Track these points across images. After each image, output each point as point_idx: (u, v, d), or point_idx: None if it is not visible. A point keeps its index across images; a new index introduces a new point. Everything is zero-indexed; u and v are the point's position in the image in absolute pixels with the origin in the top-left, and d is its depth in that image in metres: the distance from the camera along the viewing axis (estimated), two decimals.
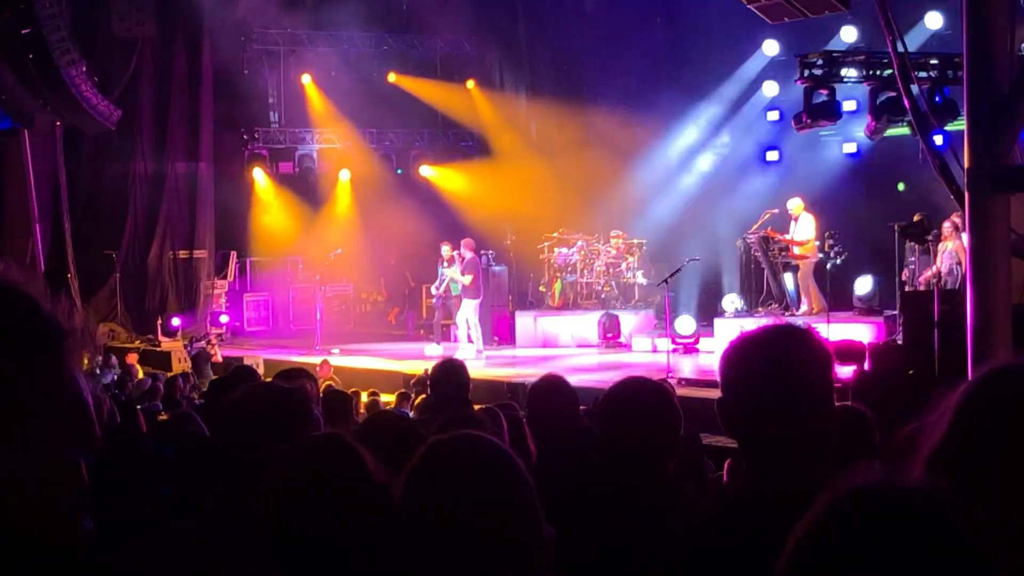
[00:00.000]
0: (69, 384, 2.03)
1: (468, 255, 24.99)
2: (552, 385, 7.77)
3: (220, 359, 24.68)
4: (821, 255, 22.90)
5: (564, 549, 3.15)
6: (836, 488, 1.70)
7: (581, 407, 8.13)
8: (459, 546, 2.66)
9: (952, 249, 20.13)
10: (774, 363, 3.17)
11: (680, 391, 12.71)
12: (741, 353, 3.30)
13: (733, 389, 3.26)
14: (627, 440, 4.72)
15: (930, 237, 20.49)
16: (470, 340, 24.75)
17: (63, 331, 2.05)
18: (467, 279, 24.69)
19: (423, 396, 14.94)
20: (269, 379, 5.74)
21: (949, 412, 2.47)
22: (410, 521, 2.72)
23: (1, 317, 1.99)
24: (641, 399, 4.87)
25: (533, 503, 2.77)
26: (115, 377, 20.22)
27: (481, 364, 22.58)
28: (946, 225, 20.39)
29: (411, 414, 13.94)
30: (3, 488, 1.94)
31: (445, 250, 25.96)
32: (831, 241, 23.05)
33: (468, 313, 24.81)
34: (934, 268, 20.49)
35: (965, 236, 11.61)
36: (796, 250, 22.98)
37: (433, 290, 26.64)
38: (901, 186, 26.37)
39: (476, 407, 8.26)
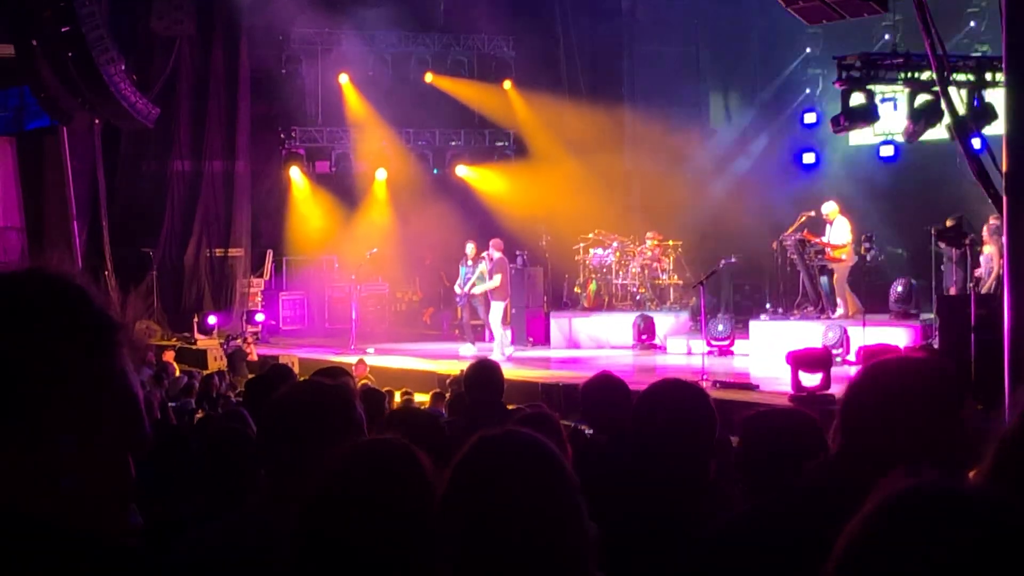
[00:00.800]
0: (120, 380, 2.05)
1: (497, 255, 24.93)
2: (606, 381, 7.71)
3: (256, 357, 24.77)
4: (857, 258, 22.84)
5: (609, 546, 3.16)
6: (890, 487, 1.67)
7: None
8: (503, 544, 2.65)
9: (989, 253, 20.06)
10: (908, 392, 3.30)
11: (714, 393, 12.67)
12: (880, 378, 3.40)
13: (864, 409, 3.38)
14: (664, 439, 4.72)
15: (967, 241, 20.41)
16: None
17: (116, 325, 2.06)
18: (496, 280, 24.64)
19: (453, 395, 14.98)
20: (304, 378, 5.76)
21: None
22: (453, 516, 2.71)
23: (54, 310, 2.01)
24: (678, 400, 4.89)
25: (578, 501, 2.77)
26: (151, 374, 20.30)
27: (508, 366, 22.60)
28: (986, 230, 20.33)
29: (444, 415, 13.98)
30: (55, 483, 1.96)
31: (470, 248, 25.98)
32: (867, 244, 23.02)
33: (496, 315, 24.77)
34: (978, 270, 20.44)
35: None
36: (833, 253, 22.92)
37: (457, 289, 26.61)
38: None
39: (509, 407, 8.28)
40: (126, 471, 2.06)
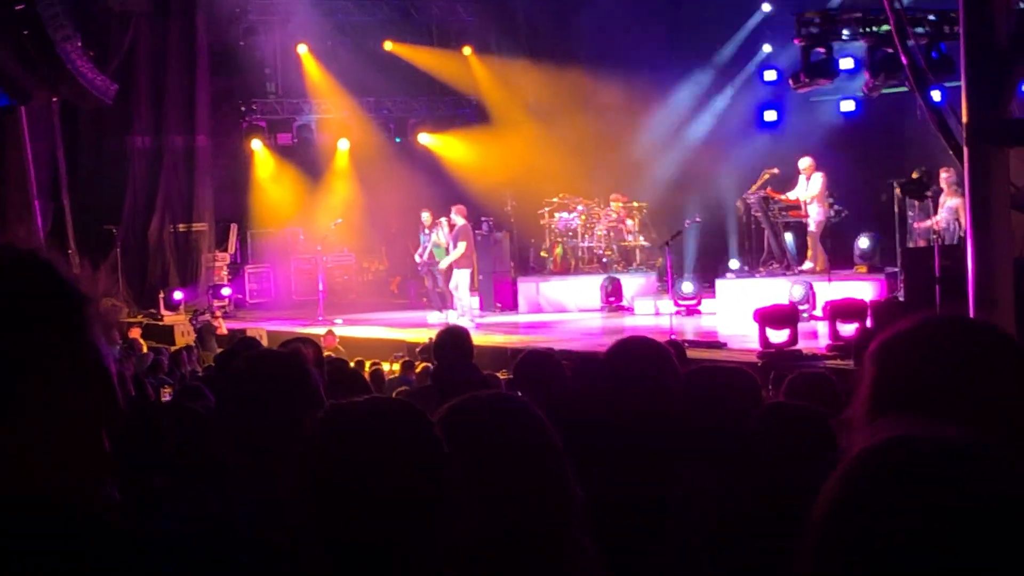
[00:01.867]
0: (93, 354, 2.04)
1: (460, 222, 24.82)
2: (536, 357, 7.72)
3: (225, 331, 24.72)
4: (830, 213, 22.94)
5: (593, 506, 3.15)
6: (871, 439, 1.62)
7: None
8: (489, 507, 2.63)
9: (952, 205, 20.17)
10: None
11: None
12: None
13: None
14: (631, 388, 4.76)
15: (929, 193, 20.52)
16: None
17: (86, 299, 2.06)
18: (460, 248, 24.51)
19: (425, 364, 15.00)
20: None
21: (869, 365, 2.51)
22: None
23: (24, 285, 2.00)
24: (638, 352, 4.94)
25: (562, 461, 2.75)
26: (118, 351, 20.24)
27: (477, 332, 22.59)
28: (945, 178, 20.44)
29: (414, 383, 14.00)
30: (31, 456, 1.96)
31: (426, 216, 25.95)
32: (831, 200, 23.10)
33: (460, 283, 24.68)
34: (932, 220, 20.55)
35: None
36: (807, 209, 22.96)
37: (416, 258, 26.55)
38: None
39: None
40: (101, 445, 2.06)
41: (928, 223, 20.69)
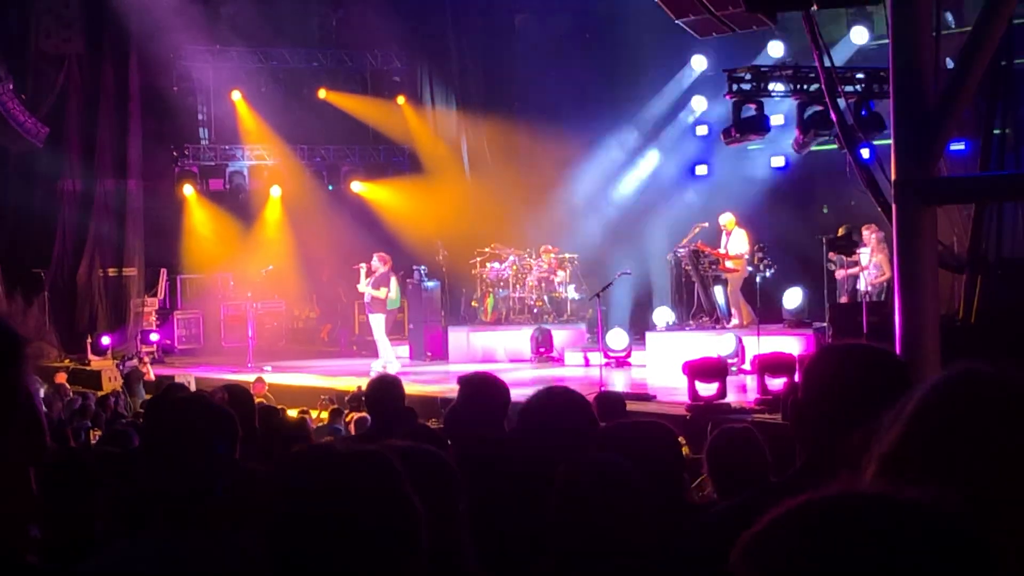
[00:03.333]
0: (23, 394, 2.03)
1: (381, 269, 24.75)
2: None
3: (153, 377, 24.50)
4: (751, 269, 23.09)
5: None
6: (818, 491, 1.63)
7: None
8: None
9: (877, 261, 20.40)
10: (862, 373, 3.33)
11: None
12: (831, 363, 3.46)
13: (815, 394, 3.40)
14: (544, 436, 4.84)
15: (857, 250, 20.73)
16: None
17: (20, 339, 2.04)
18: (380, 292, 24.47)
19: (357, 416, 14.93)
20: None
21: (906, 413, 2.53)
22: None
23: None
24: (557, 400, 5.05)
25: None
26: (42, 396, 20.03)
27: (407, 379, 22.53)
28: (867, 235, 20.67)
29: (343, 432, 13.94)
30: None
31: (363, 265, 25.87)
32: (760, 254, 23.26)
33: (378, 327, 24.64)
34: (856, 268, 20.79)
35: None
36: (729, 264, 23.14)
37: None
38: (825, 209, 26.63)
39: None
40: (30, 486, 2.05)
41: (852, 271, 20.94)
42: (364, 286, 24.79)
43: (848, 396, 3.26)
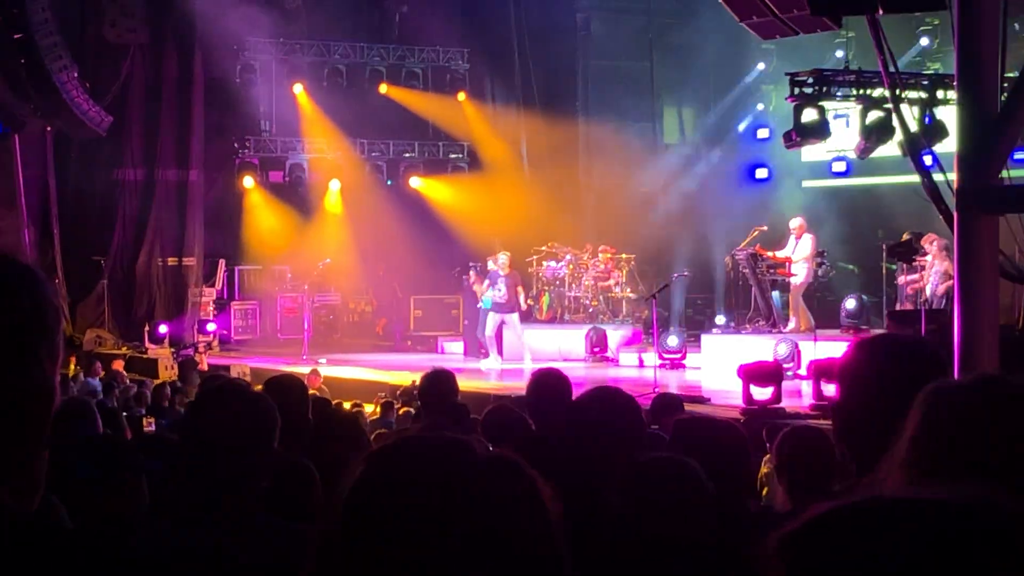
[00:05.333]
0: (42, 373, 2.07)
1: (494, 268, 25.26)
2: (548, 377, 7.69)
3: (206, 367, 24.64)
4: (813, 274, 23.00)
5: None
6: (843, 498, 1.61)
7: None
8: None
9: (940, 269, 20.23)
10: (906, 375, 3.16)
11: None
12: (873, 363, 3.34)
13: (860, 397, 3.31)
14: (592, 438, 4.81)
15: (917, 257, 20.58)
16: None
17: (45, 309, 2.08)
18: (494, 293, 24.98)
19: (405, 408, 14.98)
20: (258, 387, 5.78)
21: (915, 416, 2.51)
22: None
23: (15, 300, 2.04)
24: (604, 402, 5.01)
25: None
26: (100, 383, 20.19)
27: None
28: (932, 243, 20.51)
29: (395, 426, 13.98)
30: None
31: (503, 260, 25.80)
32: (819, 259, 23.16)
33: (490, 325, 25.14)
34: (919, 276, 20.63)
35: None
36: (793, 268, 23.00)
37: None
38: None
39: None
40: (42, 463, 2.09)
41: (914, 277, 20.78)
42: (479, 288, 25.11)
43: (887, 389, 3.12)
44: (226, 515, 3.69)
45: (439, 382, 8.39)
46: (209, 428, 3.90)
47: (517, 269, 26.11)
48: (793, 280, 23.16)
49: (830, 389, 15.67)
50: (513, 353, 25.36)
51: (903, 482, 2.41)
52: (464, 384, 10.49)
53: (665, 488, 3.91)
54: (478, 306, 25.47)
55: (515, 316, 25.01)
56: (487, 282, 25.14)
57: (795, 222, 23.42)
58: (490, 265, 25.32)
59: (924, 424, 2.52)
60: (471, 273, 27.41)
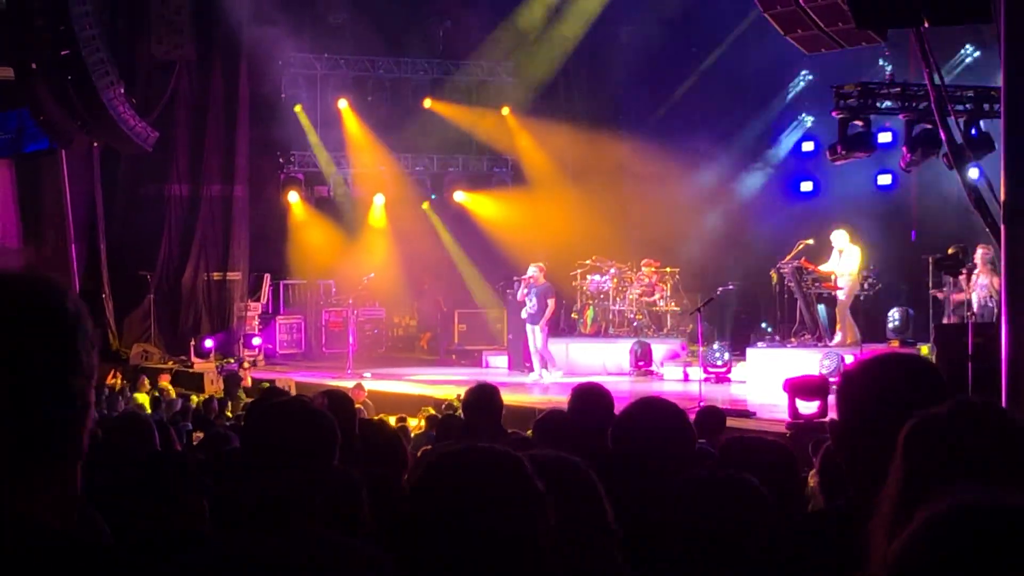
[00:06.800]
0: (80, 375, 2.09)
1: (541, 279, 25.42)
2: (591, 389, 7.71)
3: (250, 383, 24.71)
4: (860, 288, 22.91)
5: None
6: (937, 504, 1.63)
7: None
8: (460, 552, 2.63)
9: (986, 282, 20.10)
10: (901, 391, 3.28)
11: None
12: (867, 380, 3.40)
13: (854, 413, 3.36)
14: (640, 451, 4.79)
15: (964, 270, 20.45)
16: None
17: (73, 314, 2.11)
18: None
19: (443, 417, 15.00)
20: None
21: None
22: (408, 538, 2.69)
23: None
24: (654, 414, 5.00)
25: (542, 514, 2.73)
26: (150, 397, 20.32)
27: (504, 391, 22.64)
28: (981, 255, 20.37)
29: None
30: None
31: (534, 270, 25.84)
32: (867, 274, 23.06)
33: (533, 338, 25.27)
34: (965, 294, 20.47)
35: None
36: (840, 282, 22.89)
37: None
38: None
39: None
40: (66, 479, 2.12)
41: (961, 296, 20.63)
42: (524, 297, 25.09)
43: (885, 408, 3.20)
44: (287, 530, 3.70)
45: (484, 396, 8.40)
46: (271, 442, 3.92)
47: (554, 282, 26.17)
48: (839, 294, 23.07)
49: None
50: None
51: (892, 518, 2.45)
52: (508, 398, 10.48)
53: (727, 505, 3.90)
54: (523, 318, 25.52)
55: (536, 328, 25.00)
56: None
57: (837, 235, 23.31)
58: (539, 276, 25.34)
59: (905, 464, 2.59)
60: (516, 286, 27.41)
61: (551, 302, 24.95)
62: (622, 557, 2.79)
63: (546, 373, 24.97)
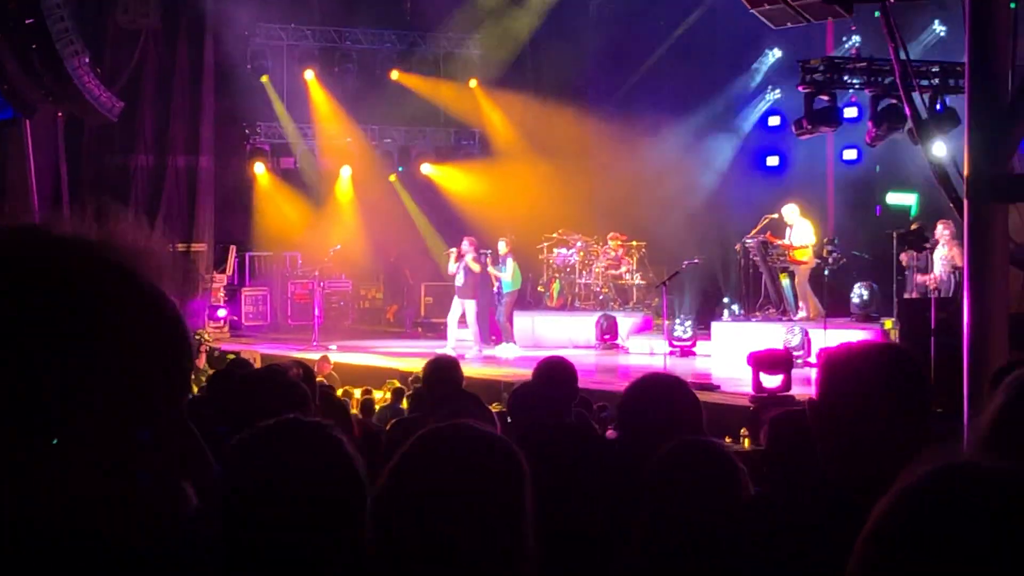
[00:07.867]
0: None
1: (471, 253, 25.04)
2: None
3: (205, 361, 24.38)
4: (819, 261, 22.97)
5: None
6: (918, 468, 1.58)
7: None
8: (441, 540, 2.64)
9: (948, 256, 20.21)
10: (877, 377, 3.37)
11: None
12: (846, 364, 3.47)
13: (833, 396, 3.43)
14: (653, 431, 4.75)
15: (928, 245, 20.55)
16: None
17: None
18: (502, 273, 25.39)
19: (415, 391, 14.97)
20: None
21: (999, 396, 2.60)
22: (392, 509, 2.69)
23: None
24: (664, 392, 4.97)
25: (523, 502, 2.73)
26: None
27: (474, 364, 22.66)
28: (941, 231, 20.47)
29: (404, 413, 13.97)
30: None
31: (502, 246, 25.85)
32: (830, 247, 23.14)
33: (470, 311, 25.04)
34: (932, 275, 20.56)
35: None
36: (797, 255, 23.01)
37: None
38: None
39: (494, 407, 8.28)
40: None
41: (925, 278, 20.72)
42: (454, 269, 24.98)
43: (862, 391, 3.31)
44: None
45: (442, 369, 8.40)
46: (245, 410, 3.88)
47: (521, 256, 26.25)
48: (798, 268, 23.18)
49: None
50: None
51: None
52: (473, 372, 10.50)
53: (694, 473, 3.91)
54: (495, 291, 25.52)
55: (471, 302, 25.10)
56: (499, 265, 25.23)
57: (788, 209, 23.40)
58: (501, 248, 25.32)
59: (1006, 407, 2.64)
60: (482, 259, 27.37)
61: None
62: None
63: (495, 348, 25.01)
